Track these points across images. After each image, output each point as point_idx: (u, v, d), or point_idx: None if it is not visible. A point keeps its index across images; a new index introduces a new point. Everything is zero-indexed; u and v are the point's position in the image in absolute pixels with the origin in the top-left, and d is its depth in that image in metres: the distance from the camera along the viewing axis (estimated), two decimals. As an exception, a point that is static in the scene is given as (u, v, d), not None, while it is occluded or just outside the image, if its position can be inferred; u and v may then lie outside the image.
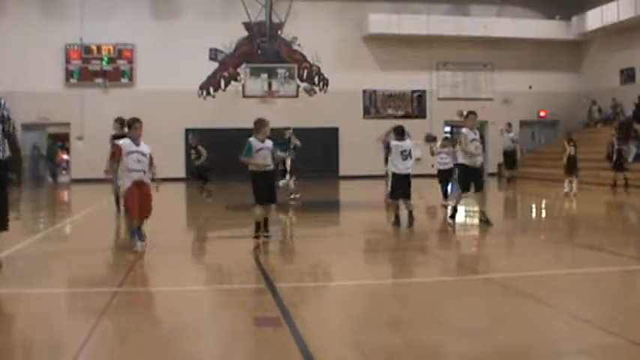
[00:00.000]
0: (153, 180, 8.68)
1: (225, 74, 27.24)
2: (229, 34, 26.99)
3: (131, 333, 4.96)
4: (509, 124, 23.75)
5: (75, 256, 8.60)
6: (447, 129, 26.85)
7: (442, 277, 7.29)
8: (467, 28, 27.53)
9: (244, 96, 27.17)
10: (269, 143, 9.36)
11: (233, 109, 25.91)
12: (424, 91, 28.64)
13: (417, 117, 27.67)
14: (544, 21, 28.68)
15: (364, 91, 28.14)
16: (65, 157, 29.10)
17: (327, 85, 27.88)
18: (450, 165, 13.95)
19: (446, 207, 13.19)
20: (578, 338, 4.72)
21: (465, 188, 11.19)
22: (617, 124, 23.79)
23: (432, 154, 14.70)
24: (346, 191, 22.23)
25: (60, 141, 28.36)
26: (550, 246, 9.76)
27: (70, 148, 26.56)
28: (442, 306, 5.84)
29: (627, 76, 26.51)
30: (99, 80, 26.05)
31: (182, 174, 24.20)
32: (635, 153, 21.51)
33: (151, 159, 8.57)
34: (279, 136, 16.06)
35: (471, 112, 11.43)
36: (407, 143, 10.90)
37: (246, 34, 27.32)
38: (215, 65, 27.16)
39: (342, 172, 26.82)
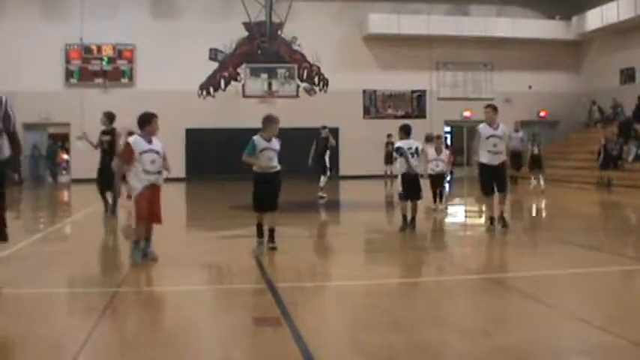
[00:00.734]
0: (165, 180, 7.88)
1: (225, 74, 27.24)
2: (229, 34, 27.01)
3: (131, 333, 4.97)
4: (519, 123, 22.35)
5: (75, 256, 8.60)
6: (447, 129, 26.76)
7: (442, 277, 7.30)
8: (467, 28, 27.53)
9: (244, 96, 27.18)
10: (275, 144, 8.28)
11: (233, 109, 25.93)
12: (424, 91, 28.64)
13: (417, 117, 27.60)
14: (544, 21, 28.67)
15: (364, 91, 28.15)
16: (65, 157, 29.07)
17: (327, 85, 27.89)
18: (442, 169, 13.41)
19: (435, 210, 13.09)
20: (578, 338, 4.72)
21: (486, 192, 10.20)
22: (617, 123, 23.82)
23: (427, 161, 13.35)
24: (346, 191, 22.19)
25: (60, 141, 28.35)
26: (551, 246, 9.75)
27: (70, 148, 26.55)
28: (442, 306, 5.84)
29: (627, 76, 26.49)
30: (99, 80, 26.08)
31: (182, 174, 24.17)
32: (635, 153, 21.50)
33: (164, 156, 7.69)
34: (315, 134, 16.10)
35: (488, 106, 10.28)
36: (413, 142, 10.40)
37: (246, 34, 27.33)
38: (215, 65, 27.17)
39: (343, 172, 26.77)
